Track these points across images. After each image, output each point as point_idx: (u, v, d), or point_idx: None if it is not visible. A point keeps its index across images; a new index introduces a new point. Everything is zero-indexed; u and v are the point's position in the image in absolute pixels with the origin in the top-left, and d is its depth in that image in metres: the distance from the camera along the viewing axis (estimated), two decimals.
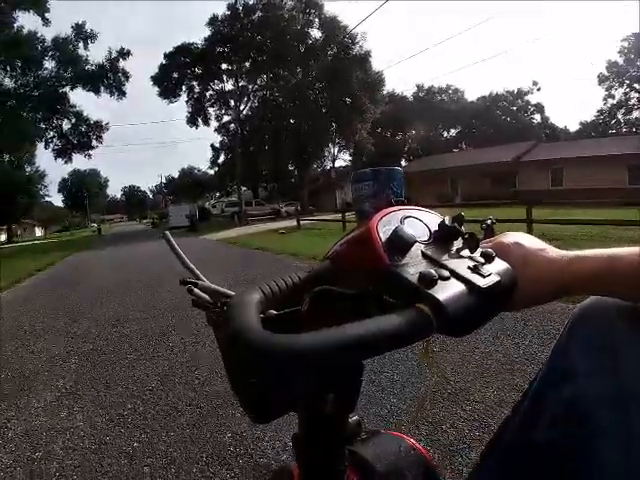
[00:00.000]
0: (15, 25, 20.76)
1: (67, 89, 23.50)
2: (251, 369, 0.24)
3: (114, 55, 23.59)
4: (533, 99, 45.79)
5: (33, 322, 4.21)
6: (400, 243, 0.32)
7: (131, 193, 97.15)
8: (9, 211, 34.87)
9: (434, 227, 0.36)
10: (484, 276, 0.31)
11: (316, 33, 26.76)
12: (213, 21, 25.57)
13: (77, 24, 22.74)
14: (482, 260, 0.34)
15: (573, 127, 47.05)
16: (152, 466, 1.59)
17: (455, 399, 1.87)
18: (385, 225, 0.34)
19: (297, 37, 25.62)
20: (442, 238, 0.35)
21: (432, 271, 0.29)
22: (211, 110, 28.61)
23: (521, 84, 79.13)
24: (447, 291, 0.29)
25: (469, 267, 0.32)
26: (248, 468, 1.53)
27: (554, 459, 0.39)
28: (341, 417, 0.35)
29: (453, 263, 0.32)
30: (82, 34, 22.85)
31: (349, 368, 0.25)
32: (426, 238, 0.35)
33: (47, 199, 52.05)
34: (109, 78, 23.91)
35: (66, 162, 25.48)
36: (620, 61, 34.15)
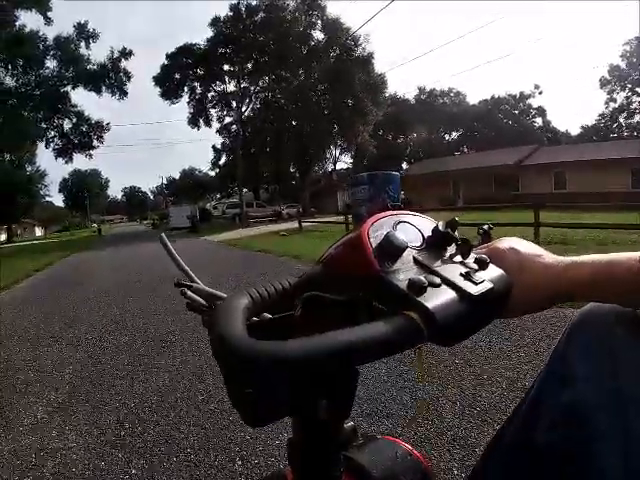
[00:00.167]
0: (17, 24, 20.75)
1: (68, 88, 23.50)
2: (236, 375, 0.24)
3: (116, 55, 23.59)
4: (535, 102, 45.95)
5: (28, 327, 4.05)
6: (391, 249, 0.31)
7: (132, 194, 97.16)
8: (9, 211, 34.81)
9: (427, 232, 0.35)
10: (476, 283, 0.31)
11: (319, 35, 26.79)
12: (215, 22, 25.53)
13: (79, 23, 22.78)
14: (475, 266, 0.33)
15: (574, 131, 46.95)
16: None
17: (485, 417, 1.70)
18: (377, 230, 0.33)
19: (299, 39, 25.59)
20: (435, 244, 0.34)
21: (422, 278, 0.29)
22: (213, 111, 28.63)
23: (523, 87, 79.52)
24: (437, 298, 0.28)
25: (461, 274, 0.31)
26: None
27: (554, 462, 0.39)
28: (336, 423, 0.34)
29: (445, 269, 0.31)
30: (84, 33, 22.86)
31: (341, 375, 0.24)
32: (419, 244, 0.34)
33: (47, 199, 52.20)
34: (111, 78, 23.87)
35: (67, 162, 25.54)
36: (622, 65, 34.20)
